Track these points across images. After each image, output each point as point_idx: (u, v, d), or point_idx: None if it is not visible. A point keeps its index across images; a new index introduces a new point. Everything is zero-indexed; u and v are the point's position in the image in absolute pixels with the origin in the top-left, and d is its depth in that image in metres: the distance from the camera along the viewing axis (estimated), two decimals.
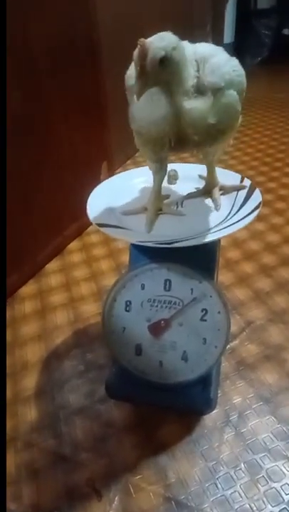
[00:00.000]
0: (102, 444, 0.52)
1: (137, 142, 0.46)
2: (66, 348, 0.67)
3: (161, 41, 0.35)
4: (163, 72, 0.35)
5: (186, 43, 0.40)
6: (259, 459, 0.49)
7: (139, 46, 0.33)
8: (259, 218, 1.02)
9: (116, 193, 0.55)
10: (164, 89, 0.37)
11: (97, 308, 0.74)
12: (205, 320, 0.49)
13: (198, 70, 0.39)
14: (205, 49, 0.41)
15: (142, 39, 0.34)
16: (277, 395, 0.56)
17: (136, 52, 0.34)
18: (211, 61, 0.40)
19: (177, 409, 0.55)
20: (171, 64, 0.35)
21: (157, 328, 0.50)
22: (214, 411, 0.54)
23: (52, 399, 0.58)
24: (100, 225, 0.48)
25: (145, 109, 0.39)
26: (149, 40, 0.34)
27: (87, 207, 0.51)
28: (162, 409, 0.55)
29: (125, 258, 0.88)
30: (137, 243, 0.46)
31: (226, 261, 0.85)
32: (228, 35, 2.70)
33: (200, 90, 0.39)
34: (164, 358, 0.51)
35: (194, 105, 0.39)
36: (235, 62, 0.42)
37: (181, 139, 0.40)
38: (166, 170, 0.51)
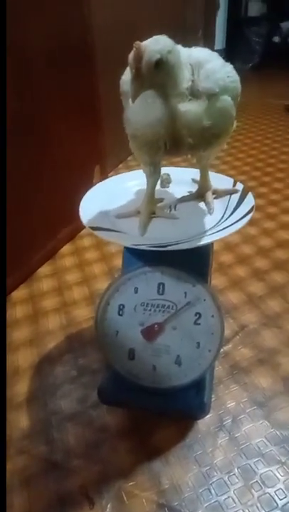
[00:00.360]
0: (94, 451, 0.51)
1: (132, 146, 0.46)
2: (58, 353, 0.66)
3: (156, 44, 0.35)
4: (158, 75, 0.36)
5: (180, 47, 0.40)
6: (253, 464, 0.49)
7: (134, 49, 0.33)
8: (251, 223, 1.02)
9: (109, 196, 0.55)
10: (159, 92, 0.38)
11: (90, 313, 0.74)
12: (199, 324, 0.49)
13: (193, 74, 0.39)
14: (200, 54, 0.41)
15: (138, 42, 0.34)
16: (271, 399, 0.56)
17: (131, 55, 0.34)
18: (206, 66, 0.40)
19: (171, 414, 0.54)
20: (166, 67, 0.36)
21: (151, 332, 0.50)
22: (208, 415, 0.53)
23: (44, 405, 0.57)
24: (94, 229, 0.48)
25: (140, 112, 0.40)
26: (145, 43, 0.35)
27: (80, 210, 0.50)
28: (156, 414, 0.55)
29: (118, 262, 0.88)
30: (131, 246, 0.46)
31: (219, 265, 0.85)
32: (220, 42, 2.74)
33: (194, 94, 0.39)
34: (157, 362, 0.51)
35: (189, 108, 0.39)
36: (229, 68, 0.43)
37: (176, 141, 0.40)
38: (159, 173, 0.51)
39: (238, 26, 2.98)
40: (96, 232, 0.47)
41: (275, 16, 3.01)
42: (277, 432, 0.52)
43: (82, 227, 1.05)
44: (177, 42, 0.40)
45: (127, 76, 0.42)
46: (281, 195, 1.16)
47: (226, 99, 0.41)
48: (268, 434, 0.52)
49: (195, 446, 0.51)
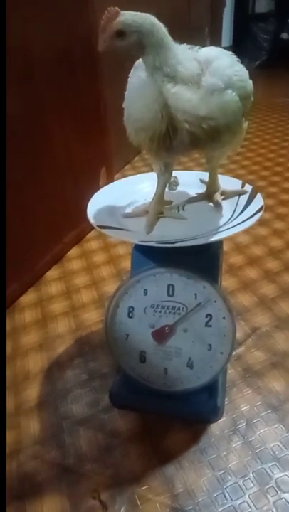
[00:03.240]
0: (106, 455, 0.52)
1: (133, 140, 0.46)
2: (68, 357, 0.67)
3: (128, 17, 0.38)
4: (123, 45, 0.39)
5: (186, 46, 0.42)
6: (268, 469, 0.49)
7: (106, 12, 0.38)
8: (261, 223, 1.04)
9: (117, 197, 0.56)
10: (150, 76, 0.40)
11: (99, 316, 0.75)
12: (210, 326, 0.50)
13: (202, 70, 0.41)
14: (210, 52, 0.43)
15: (112, 8, 0.38)
16: (286, 403, 0.56)
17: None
18: (214, 63, 0.41)
19: (183, 418, 0.55)
20: (131, 40, 0.39)
21: (161, 335, 0.51)
22: (221, 419, 0.54)
23: (55, 409, 0.58)
24: (101, 227, 0.49)
25: (134, 97, 0.43)
26: (122, 12, 0.38)
27: (88, 210, 0.52)
28: (168, 417, 0.55)
29: (126, 264, 0.89)
30: (140, 243, 0.47)
31: (229, 266, 0.85)
32: (226, 39, 2.75)
33: (198, 87, 0.40)
34: (168, 365, 0.51)
35: (180, 91, 0.40)
36: (239, 67, 0.44)
37: (174, 126, 0.41)
38: (171, 173, 0.52)
39: (245, 23, 2.99)
40: (103, 231, 0.48)
41: (283, 12, 3.01)
42: None
43: (89, 230, 1.08)
44: (183, 40, 0.43)
45: (133, 75, 0.43)
46: None
47: (230, 94, 0.41)
48: (283, 439, 0.52)
49: (208, 450, 0.51)
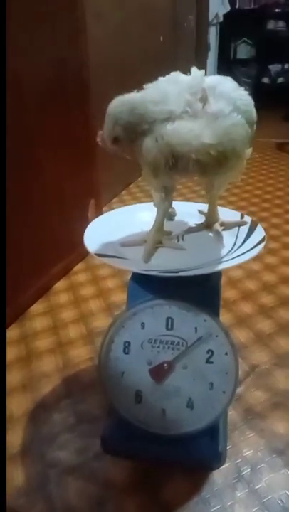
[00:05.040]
0: (99, 508, 0.48)
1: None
2: (55, 399, 0.63)
3: (110, 122, 0.43)
4: (122, 142, 0.43)
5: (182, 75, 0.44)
6: None
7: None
8: (253, 258, 1.04)
9: (114, 226, 0.55)
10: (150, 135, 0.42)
11: (88, 353, 0.72)
12: (211, 362, 0.48)
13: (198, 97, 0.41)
14: (214, 79, 0.44)
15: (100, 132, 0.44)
16: None
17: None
18: (218, 88, 0.42)
19: (183, 464, 0.52)
20: (124, 135, 0.43)
21: (159, 372, 0.48)
22: (224, 465, 0.51)
23: (40, 457, 0.54)
24: (99, 255, 0.47)
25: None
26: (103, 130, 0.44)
27: (85, 237, 0.50)
28: (166, 464, 0.52)
29: (116, 298, 0.88)
30: (140, 272, 0.46)
31: (224, 301, 0.84)
32: None
33: (200, 115, 0.41)
34: (167, 406, 0.49)
35: (181, 125, 0.41)
36: (243, 92, 0.44)
37: (179, 159, 0.41)
38: (170, 202, 0.52)
39: (228, 67, 3.17)
40: (102, 259, 0.47)
41: (263, 58, 3.23)
42: None
43: (77, 261, 1.07)
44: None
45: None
46: (281, 230, 1.18)
47: (236, 117, 0.42)
48: None
49: (212, 500, 0.48)
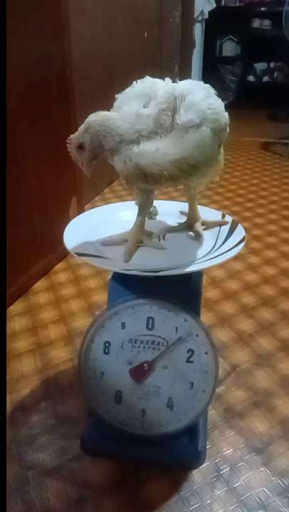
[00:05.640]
0: (78, 509, 0.48)
1: None
2: (34, 400, 0.63)
3: (83, 128, 0.45)
4: (87, 150, 0.46)
5: (157, 81, 0.46)
6: None
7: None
8: (236, 257, 1.05)
9: (94, 225, 0.55)
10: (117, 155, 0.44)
11: (68, 354, 0.72)
12: (191, 362, 0.49)
13: (169, 109, 0.43)
14: (184, 86, 0.44)
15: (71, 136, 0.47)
16: (270, 445, 0.55)
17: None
18: (188, 99, 0.43)
19: (162, 465, 0.52)
20: (87, 144, 0.45)
21: (140, 372, 0.49)
22: (203, 464, 0.52)
23: (19, 459, 0.54)
24: (79, 254, 0.48)
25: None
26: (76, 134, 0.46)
27: (64, 236, 0.51)
28: (146, 464, 0.53)
29: (98, 298, 0.88)
30: (121, 271, 0.46)
31: (205, 300, 0.86)
32: (196, 79, 2.91)
33: (170, 130, 0.42)
34: (147, 406, 0.49)
35: (145, 146, 0.43)
36: (213, 99, 0.45)
37: (150, 176, 0.43)
38: (151, 202, 0.52)
39: (214, 65, 3.20)
40: (82, 258, 0.47)
41: (248, 56, 3.26)
42: (279, 481, 0.51)
43: (58, 261, 1.06)
44: (154, 77, 0.47)
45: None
46: (263, 230, 1.20)
47: (204, 131, 0.43)
48: (269, 483, 0.51)
49: (191, 498, 0.49)
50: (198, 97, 0.43)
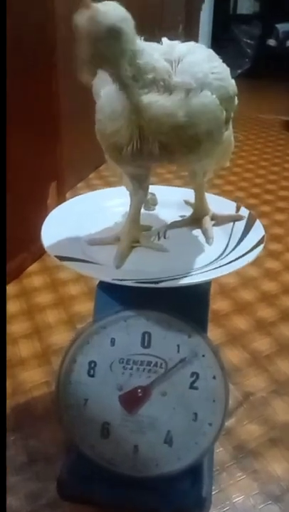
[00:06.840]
0: None
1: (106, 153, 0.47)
2: None
3: (109, 10, 0.39)
4: (110, 47, 0.39)
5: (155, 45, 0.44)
6: None
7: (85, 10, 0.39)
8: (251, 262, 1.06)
9: (80, 218, 0.55)
10: (122, 84, 0.41)
11: (43, 376, 0.72)
12: (196, 388, 0.49)
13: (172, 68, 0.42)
14: (184, 47, 0.45)
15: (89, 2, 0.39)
16: None
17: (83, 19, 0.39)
18: (186, 59, 0.43)
19: None
20: (119, 38, 0.39)
21: (132, 400, 0.49)
22: None
23: None
24: (61, 258, 0.48)
25: (105, 106, 0.44)
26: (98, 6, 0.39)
27: (42, 234, 0.51)
28: None
29: (80, 307, 0.88)
30: (113, 281, 0.46)
31: (214, 314, 0.86)
32: (204, 41, 2.92)
33: (170, 89, 0.42)
34: (140, 442, 0.50)
35: (155, 99, 0.41)
36: (217, 63, 0.45)
37: (145, 138, 0.42)
38: (146, 190, 0.52)
39: (226, 24, 3.21)
40: (64, 263, 0.47)
41: (269, 15, 3.27)
42: None
43: (31, 261, 1.06)
44: (152, 40, 0.45)
45: (100, 78, 0.44)
46: (285, 228, 1.21)
47: (207, 96, 0.43)
48: None
49: None
50: (199, 58, 0.44)
